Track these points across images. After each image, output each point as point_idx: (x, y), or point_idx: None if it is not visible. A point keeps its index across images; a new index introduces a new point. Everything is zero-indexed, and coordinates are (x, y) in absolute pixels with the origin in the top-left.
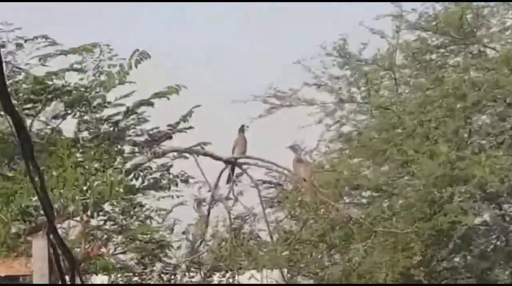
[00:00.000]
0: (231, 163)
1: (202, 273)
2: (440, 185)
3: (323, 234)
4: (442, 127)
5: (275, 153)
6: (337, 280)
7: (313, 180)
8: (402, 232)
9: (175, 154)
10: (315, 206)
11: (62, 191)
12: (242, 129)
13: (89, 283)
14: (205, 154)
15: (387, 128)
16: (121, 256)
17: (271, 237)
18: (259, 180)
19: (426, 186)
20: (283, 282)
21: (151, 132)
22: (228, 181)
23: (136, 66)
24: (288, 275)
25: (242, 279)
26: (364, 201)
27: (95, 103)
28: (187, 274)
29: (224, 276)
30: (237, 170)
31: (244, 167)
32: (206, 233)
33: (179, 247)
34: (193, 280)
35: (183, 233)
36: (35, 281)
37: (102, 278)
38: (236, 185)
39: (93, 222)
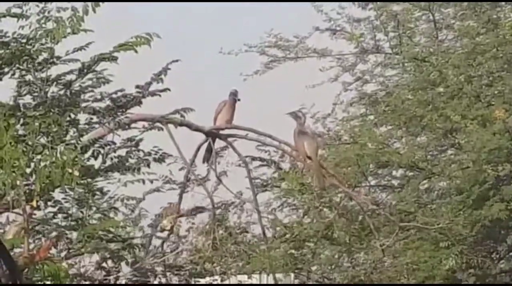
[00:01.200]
0: (213, 135)
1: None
2: (496, 161)
3: (329, 227)
4: (498, 84)
5: (273, 121)
6: (359, 281)
7: (324, 158)
8: (435, 227)
9: (145, 124)
10: (322, 192)
11: None
12: (233, 96)
13: None
14: (181, 124)
15: (424, 87)
16: (76, 259)
17: (263, 232)
18: (248, 156)
19: (476, 162)
20: None
21: (114, 96)
22: (206, 160)
23: (94, 10)
24: (296, 280)
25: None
26: (395, 182)
27: (40, 58)
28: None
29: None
30: (220, 143)
31: (230, 139)
32: (178, 225)
33: (143, 245)
34: None
35: (150, 226)
36: None
37: None
38: (219, 163)
39: (39, 215)
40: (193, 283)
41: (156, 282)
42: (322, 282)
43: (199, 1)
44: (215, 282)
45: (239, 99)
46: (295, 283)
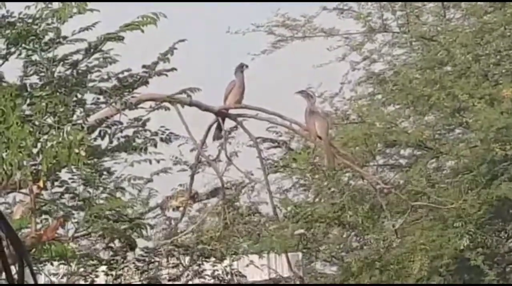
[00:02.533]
0: (222, 115)
1: (187, 260)
2: (503, 140)
3: (343, 208)
4: (505, 63)
5: (282, 100)
6: (366, 266)
7: (332, 137)
8: (449, 206)
9: (152, 104)
10: (334, 172)
11: (4, 154)
12: (241, 70)
13: (42, 274)
14: (191, 104)
15: (432, 66)
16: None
17: (275, 212)
18: (259, 137)
19: (484, 141)
20: (298, 269)
21: (121, 76)
22: (216, 138)
23: None
24: (305, 260)
25: (241, 266)
26: (402, 161)
27: (46, 38)
28: (168, 261)
29: (217, 263)
30: (230, 123)
31: (240, 119)
32: (189, 206)
33: (155, 225)
34: (176, 270)
35: (159, 206)
36: None
37: (58, 268)
38: (229, 144)
39: (46, 195)
40: (196, 282)
41: (164, 261)
42: (330, 261)
43: None
44: (225, 264)
45: (247, 66)
46: (303, 261)
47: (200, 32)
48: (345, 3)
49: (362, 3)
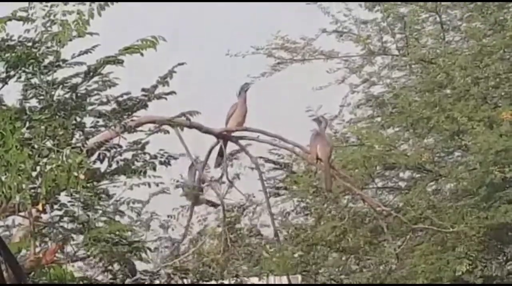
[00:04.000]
0: (224, 137)
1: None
2: (503, 162)
3: (344, 232)
4: (504, 86)
5: (281, 122)
6: None
7: (332, 160)
8: (450, 230)
9: (151, 127)
10: (333, 195)
11: (4, 177)
12: (245, 89)
13: None
14: (191, 126)
15: (431, 89)
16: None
17: (276, 235)
18: (260, 157)
19: (483, 164)
20: None
21: (120, 99)
22: (218, 165)
23: (99, 13)
24: (304, 282)
25: None
26: (402, 184)
27: (46, 62)
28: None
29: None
30: (232, 147)
31: (242, 142)
32: (191, 228)
33: (156, 248)
34: None
35: (162, 227)
36: None
37: None
38: (231, 166)
39: (45, 218)
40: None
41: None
42: (329, 284)
43: (205, 1)
44: None
45: (250, 85)
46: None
47: (200, 54)
48: (344, 26)
49: (361, 26)
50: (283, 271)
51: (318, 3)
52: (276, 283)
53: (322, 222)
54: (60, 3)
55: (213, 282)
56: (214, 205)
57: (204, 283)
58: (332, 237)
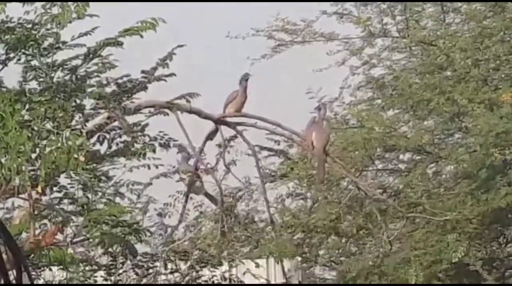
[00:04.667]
0: (222, 123)
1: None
2: (503, 145)
3: (339, 217)
4: (505, 68)
5: (281, 104)
6: (367, 270)
7: (332, 143)
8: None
9: (151, 109)
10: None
11: (3, 160)
12: (245, 79)
13: (41, 279)
14: (190, 111)
15: (431, 71)
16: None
17: (271, 221)
18: (257, 145)
19: (483, 146)
20: (297, 275)
21: (120, 81)
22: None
23: None
24: (304, 265)
25: (239, 275)
26: (402, 166)
27: (45, 44)
28: (167, 267)
29: (215, 269)
30: (229, 131)
31: (239, 128)
32: (187, 214)
33: (153, 233)
34: (175, 275)
35: (159, 214)
36: None
37: (56, 273)
38: (228, 152)
39: (45, 200)
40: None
41: (162, 268)
42: (329, 266)
43: None
44: (224, 270)
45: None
46: (302, 266)
47: (199, 35)
48: (344, 7)
49: (362, 8)
50: (281, 256)
51: None
52: (275, 266)
53: (318, 205)
54: None
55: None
56: (212, 199)
57: (203, 283)
58: (327, 222)
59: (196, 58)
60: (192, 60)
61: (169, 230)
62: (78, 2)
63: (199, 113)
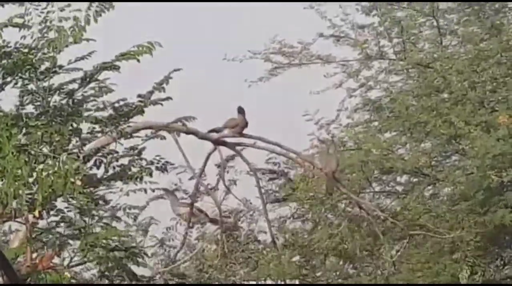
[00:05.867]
0: (220, 143)
1: None
2: (500, 167)
3: (341, 239)
4: (501, 90)
5: (279, 127)
6: None
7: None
8: (445, 236)
9: (148, 132)
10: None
11: (0, 183)
12: (241, 111)
13: None
14: (187, 132)
15: (428, 93)
16: (79, 268)
17: (274, 241)
18: (258, 169)
19: (480, 168)
20: None
21: (116, 105)
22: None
23: (95, 20)
24: None
25: None
26: (399, 188)
27: (42, 68)
28: None
29: None
30: (229, 152)
31: (238, 148)
32: (189, 235)
33: (153, 254)
34: None
35: (161, 240)
36: None
37: None
38: (227, 172)
39: (42, 224)
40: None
41: None
42: None
43: None
44: None
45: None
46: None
47: (197, 58)
48: (341, 30)
49: (359, 30)
50: (281, 276)
51: (316, 7)
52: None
53: (319, 227)
54: (56, 9)
55: None
56: (212, 221)
57: (204, 283)
58: (329, 243)
59: (192, 82)
60: (189, 83)
61: (171, 251)
62: (75, 27)
63: (196, 134)
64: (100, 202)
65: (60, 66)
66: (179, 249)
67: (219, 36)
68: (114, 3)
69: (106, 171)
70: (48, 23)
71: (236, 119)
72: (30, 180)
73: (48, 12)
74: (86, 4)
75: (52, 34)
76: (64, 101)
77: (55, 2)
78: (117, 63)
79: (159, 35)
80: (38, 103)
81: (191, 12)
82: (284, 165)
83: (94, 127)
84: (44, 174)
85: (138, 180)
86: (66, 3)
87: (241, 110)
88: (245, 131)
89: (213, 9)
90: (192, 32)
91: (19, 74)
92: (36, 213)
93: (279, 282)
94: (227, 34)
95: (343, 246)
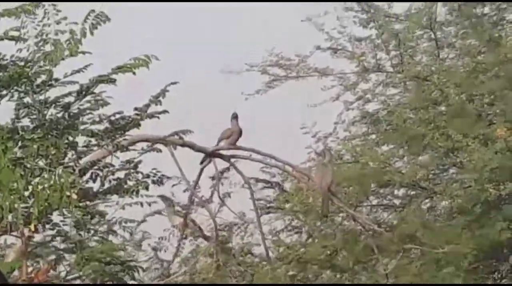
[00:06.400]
0: (216, 156)
1: None
2: (497, 180)
3: (335, 251)
4: (499, 103)
5: (276, 140)
6: None
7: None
8: (441, 250)
9: (144, 146)
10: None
11: None
12: (234, 117)
13: None
14: (184, 145)
15: (426, 106)
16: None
17: (268, 254)
18: (252, 178)
19: (478, 181)
20: None
21: (112, 118)
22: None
23: (92, 33)
24: None
25: None
26: (396, 202)
27: (38, 81)
28: None
29: None
30: (223, 164)
31: (233, 160)
32: (182, 248)
33: (147, 268)
34: None
35: (153, 249)
36: None
37: None
38: (222, 184)
39: (38, 238)
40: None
41: None
42: None
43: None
44: None
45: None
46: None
47: (194, 71)
48: (338, 43)
49: (356, 43)
50: None
51: (313, 20)
52: None
53: (314, 240)
54: (52, 22)
55: None
56: (205, 237)
57: (201, 283)
58: (324, 256)
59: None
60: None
61: (164, 264)
62: (71, 40)
63: (192, 146)
64: (96, 215)
65: (56, 79)
66: (172, 261)
67: (219, 36)
68: (114, 4)
69: (102, 184)
70: (44, 36)
71: (230, 129)
72: (26, 193)
73: (44, 25)
74: (82, 16)
75: (48, 47)
76: (60, 115)
77: (51, 15)
78: (114, 76)
79: (159, 35)
80: (34, 116)
81: (191, 12)
82: (279, 177)
83: (90, 141)
84: (40, 187)
85: (134, 193)
86: (62, 16)
87: (235, 116)
88: (241, 139)
89: (213, 9)
90: (192, 32)
91: (15, 87)
92: (32, 227)
93: None
94: (227, 34)
95: (337, 259)
